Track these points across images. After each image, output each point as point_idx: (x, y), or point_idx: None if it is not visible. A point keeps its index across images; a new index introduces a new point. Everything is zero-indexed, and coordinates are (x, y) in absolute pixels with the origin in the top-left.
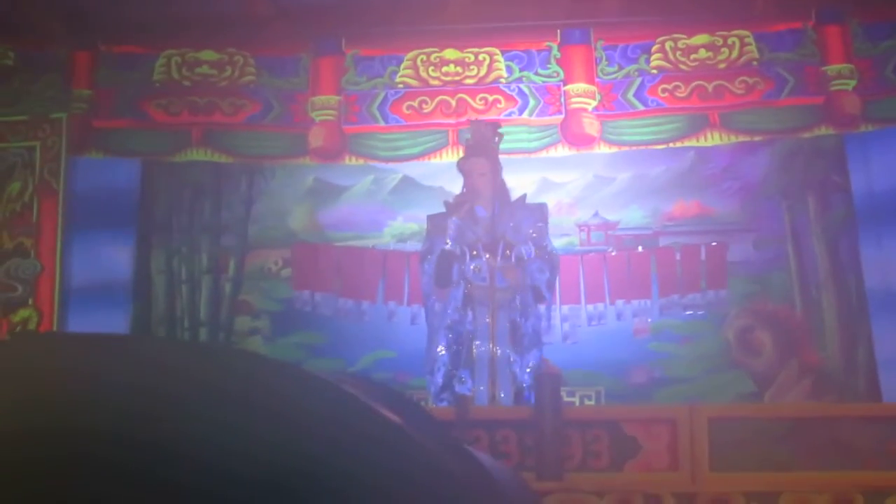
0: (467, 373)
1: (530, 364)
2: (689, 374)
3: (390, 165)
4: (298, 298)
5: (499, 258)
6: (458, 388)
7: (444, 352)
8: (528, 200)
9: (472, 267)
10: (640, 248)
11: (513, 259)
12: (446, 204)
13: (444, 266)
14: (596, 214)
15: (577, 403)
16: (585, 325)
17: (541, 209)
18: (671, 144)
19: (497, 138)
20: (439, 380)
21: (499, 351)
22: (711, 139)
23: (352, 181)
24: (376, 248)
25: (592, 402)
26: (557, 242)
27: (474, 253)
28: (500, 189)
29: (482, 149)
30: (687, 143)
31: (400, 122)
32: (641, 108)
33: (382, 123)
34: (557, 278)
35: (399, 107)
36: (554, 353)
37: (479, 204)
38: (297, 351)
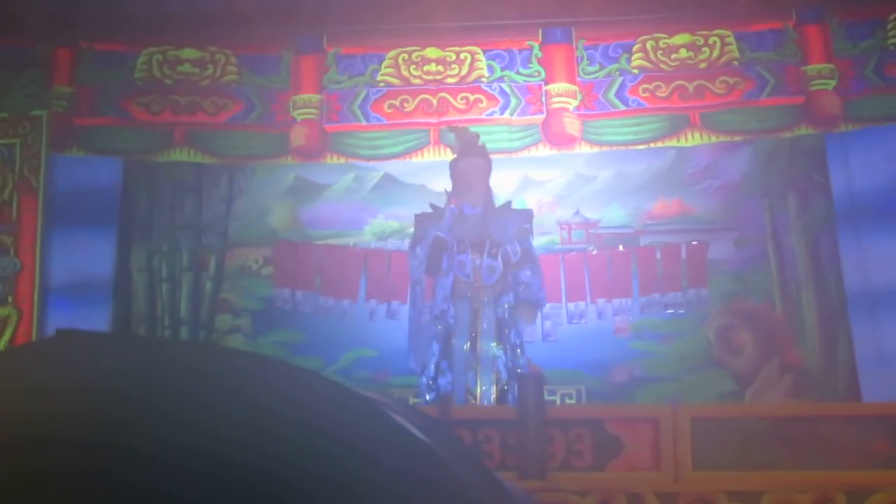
0: (446, 365)
1: (518, 365)
2: (669, 373)
3: (371, 164)
4: (279, 297)
5: (485, 256)
6: (441, 380)
7: (435, 342)
8: (510, 200)
9: (458, 262)
10: (621, 247)
11: (499, 259)
12: (432, 206)
13: (437, 252)
14: (577, 213)
15: (559, 402)
16: (566, 324)
17: (527, 214)
18: (652, 144)
19: (477, 140)
20: (431, 370)
21: (483, 348)
22: (692, 139)
23: (333, 179)
24: (357, 247)
25: (573, 401)
26: (538, 241)
27: (461, 247)
28: (488, 191)
29: (476, 149)
30: (668, 143)
31: (381, 121)
32: (622, 107)
33: (364, 122)
34: (540, 277)
35: (380, 105)
36: (535, 351)
37: (468, 202)
38: (278, 349)
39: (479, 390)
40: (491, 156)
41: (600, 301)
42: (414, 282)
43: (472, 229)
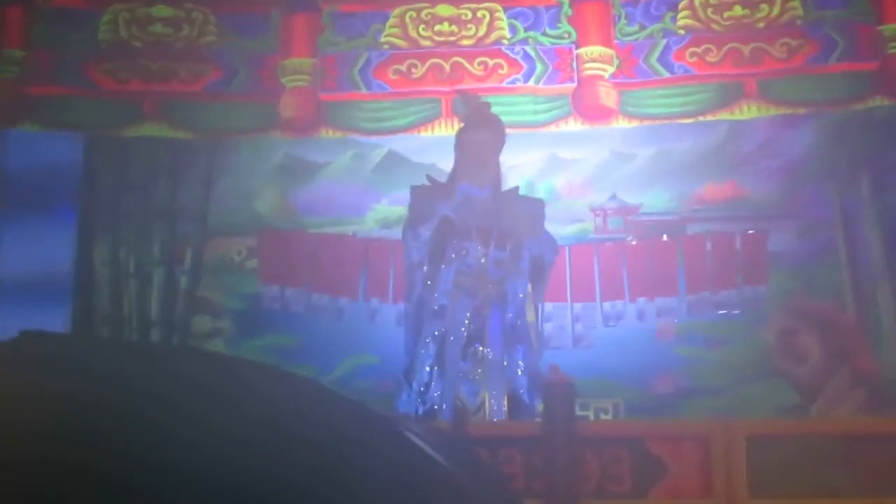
0: (438, 372)
1: (521, 363)
2: (721, 384)
3: (374, 139)
4: (266, 294)
5: (492, 246)
6: (432, 389)
7: (430, 342)
8: (517, 186)
9: (459, 248)
10: (664, 237)
11: (507, 251)
12: (429, 178)
13: (441, 236)
14: (613, 197)
15: (592, 417)
16: (601, 327)
17: (539, 204)
18: (701, 118)
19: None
20: (425, 375)
21: (491, 353)
22: (748, 111)
23: (329, 157)
24: (357, 236)
25: (609, 416)
26: (568, 229)
27: (464, 233)
28: (499, 171)
29: (487, 121)
30: (719, 116)
31: (385, 90)
32: (666, 75)
33: (365, 91)
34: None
35: (384, 71)
36: (565, 358)
37: (474, 182)
38: (265, 356)
39: (486, 403)
40: (508, 130)
41: (640, 300)
42: (413, 265)
43: (479, 214)
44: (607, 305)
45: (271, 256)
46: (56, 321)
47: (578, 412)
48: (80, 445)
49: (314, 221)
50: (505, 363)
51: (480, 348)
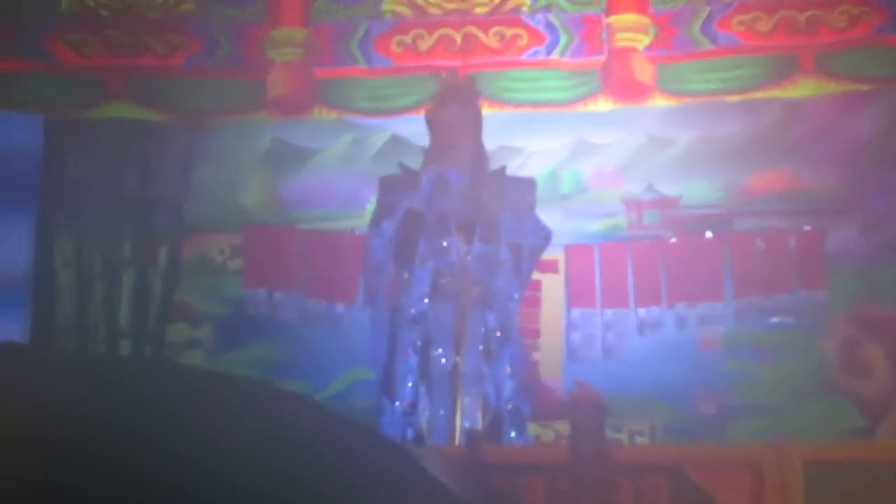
0: (425, 389)
1: (507, 374)
2: (774, 402)
3: (375, 121)
4: (252, 299)
5: (475, 240)
6: (419, 408)
7: (412, 353)
8: (505, 165)
9: (438, 245)
10: (708, 234)
11: (492, 245)
12: (401, 166)
13: (409, 232)
14: (649, 188)
15: (626, 441)
16: (635, 336)
17: (529, 185)
18: (749, 96)
19: (473, 87)
20: (409, 393)
21: (467, 364)
22: (803, 88)
23: (323, 142)
24: (356, 233)
25: (646, 440)
26: (598, 225)
27: (441, 227)
28: (481, 152)
29: (460, 95)
30: (770, 94)
31: (388, 64)
32: (710, 46)
33: (364, 65)
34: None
35: (387, 43)
36: (594, 373)
37: (452, 166)
38: (250, 369)
39: (457, 424)
40: (529, 109)
41: (680, 306)
42: (376, 266)
43: (458, 203)
44: (642, 312)
45: (258, 256)
46: (11, 330)
47: (610, 434)
48: (75, 463)
49: (307, 215)
50: (483, 375)
51: (457, 358)
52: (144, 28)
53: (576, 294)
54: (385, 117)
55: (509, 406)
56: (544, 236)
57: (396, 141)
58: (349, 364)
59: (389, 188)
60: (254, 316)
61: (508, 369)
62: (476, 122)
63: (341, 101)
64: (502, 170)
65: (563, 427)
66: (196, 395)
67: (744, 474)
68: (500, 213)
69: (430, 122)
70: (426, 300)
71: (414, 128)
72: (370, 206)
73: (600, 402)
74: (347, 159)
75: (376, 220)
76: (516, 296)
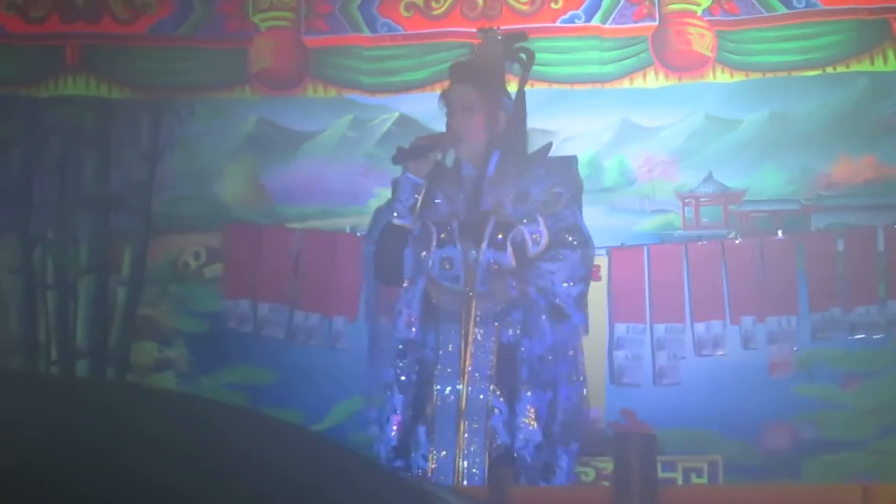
0: (423, 431)
1: (528, 415)
2: (859, 435)
3: (379, 99)
4: (233, 312)
5: (485, 245)
6: (413, 455)
7: (396, 391)
8: (550, 143)
9: (439, 258)
10: (780, 233)
11: (508, 247)
12: (399, 149)
13: (390, 251)
14: (709, 178)
15: (681, 481)
16: (692, 357)
17: (567, 164)
18: (830, 69)
19: (516, 56)
20: (392, 437)
21: (472, 394)
22: (894, 61)
23: (318, 124)
24: (357, 233)
25: (704, 480)
26: (647, 223)
27: (443, 236)
28: (509, 139)
29: (473, 69)
30: (855, 68)
31: (395, 31)
32: (783, 10)
33: (367, 33)
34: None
35: (394, 6)
36: (643, 400)
37: (465, 158)
38: (231, 395)
39: (459, 464)
40: (566, 85)
41: (747, 320)
42: (366, 299)
43: (467, 202)
44: (701, 328)
45: (239, 261)
46: None
47: (661, 474)
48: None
49: (298, 212)
50: (493, 410)
51: (461, 389)
52: None
53: (621, 306)
54: (391, 95)
55: (523, 451)
56: (590, 256)
57: (405, 122)
58: (348, 390)
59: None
60: (235, 332)
61: (531, 410)
62: (492, 105)
63: (339, 75)
64: (546, 147)
65: (606, 465)
66: (172, 421)
67: None
68: (521, 210)
69: (445, 103)
70: (413, 329)
71: (426, 107)
72: (373, 202)
73: (650, 436)
74: (346, 145)
75: (366, 242)
76: (541, 303)
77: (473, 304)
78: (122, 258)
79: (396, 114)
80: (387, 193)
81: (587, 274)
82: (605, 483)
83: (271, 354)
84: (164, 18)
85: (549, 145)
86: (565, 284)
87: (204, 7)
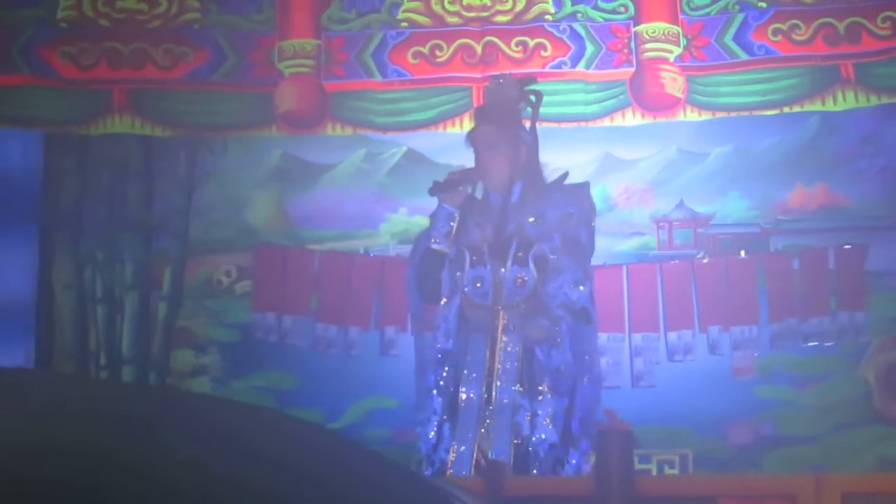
0: (449, 428)
1: (546, 418)
2: (812, 431)
3: (390, 136)
4: (260, 324)
5: (510, 263)
6: (441, 448)
7: (436, 395)
8: (566, 172)
9: (471, 278)
10: (742, 253)
11: (529, 263)
12: (435, 183)
13: (430, 273)
14: (680, 205)
15: (655, 472)
16: (665, 362)
17: (580, 191)
18: (786, 109)
19: (527, 98)
20: (431, 435)
21: (501, 395)
22: (843, 101)
23: (335, 158)
24: (370, 253)
25: (676, 471)
26: (626, 245)
27: (475, 258)
28: (528, 170)
29: (494, 112)
30: (808, 107)
31: (404, 76)
32: (744, 57)
33: (379, 78)
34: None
35: (403, 55)
36: (622, 401)
37: (492, 188)
38: (259, 397)
39: (487, 454)
40: (553, 124)
41: (713, 329)
42: (412, 315)
43: (494, 228)
44: (673, 336)
45: (266, 278)
46: (16, 357)
47: (638, 466)
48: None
49: (318, 235)
50: (517, 407)
51: (485, 393)
52: (147, 39)
53: (603, 318)
54: (401, 132)
55: (540, 448)
56: (576, 249)
57: (413, 157)
58: (364, 392)
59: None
60: (262, 341)
61: (549, 413)
62: (514, 142)
63: (354, 115)
64: (563, 176)
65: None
66: (202, 424)
67: None
68: (540, 229)
69: (470, 143)
70: (450, 340)
71: (430, 143)
72: (384, 226)
73: (628, 432)
74: (361, 176)
75: (410, 265)
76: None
77: (501, 315)
78: (163, 276)
79: (405, 148)
80: (396, 218)
81: (587, 271)
82: (588, 473)
83: (294, 361)
84: (201, 66)
85: (566, 174)
86: (580, 288)
87: (235, 55)
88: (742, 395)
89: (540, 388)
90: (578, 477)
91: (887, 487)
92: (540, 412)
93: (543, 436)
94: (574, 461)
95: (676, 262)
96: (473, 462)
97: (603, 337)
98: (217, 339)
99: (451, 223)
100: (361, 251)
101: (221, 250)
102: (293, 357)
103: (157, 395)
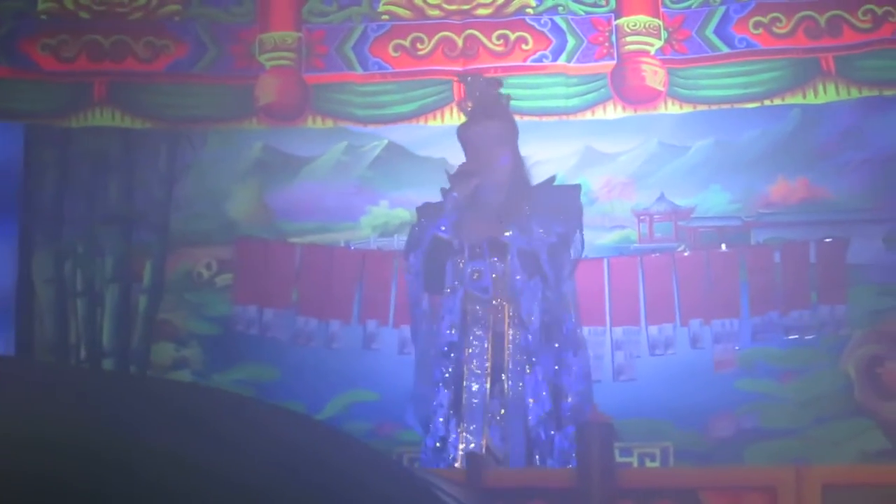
0: (456, 422)
1: (546, 410)
2: (793, 424)
3: (371, 129)
4: (241, 317)
5: (510, 259)
6: (450, 442)
7: (442, 388)
8: (554, 175)
9: (470, 269)
10: (723, 246)
11: (523, 259)
12: (449, 176)
13: (437, 261)
14: (661, 198)
15: (636, 465)
16: (646, 356)
17: (570, 193)
18: (767, 102)
19: (502, 98)
20: (440, 428)
21: (509, 388)
22: (824, 94)
23: (316, 151)
24: (351, 246)
25: (657, 464)
26: (607, 238)
27: (477, 250)
28: (517, 166)
29: (490, 108)
30: (789, 100)
31: (385, 69)
32: (725, 50)
33: (360, 71)
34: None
35: (383, 47)
36: (603, 394)
37: (486, 184)
38: (240, 390)
39: (504, 448)
40: (534, 118)
41: (694, 323)
42: (412, 303)
43: (491, 222)
44: (654, 330)
45: (247, 271)
46: None
47: (619, 458)
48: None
49: (298, 228)
50: (523, 398)
51: (489, 386)
52: (126, 31)
53: (584, 311)
54: (381, 125)
55: (535, 428)
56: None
57: (394, 149)
58: (345, 385)
59: (423, 217)
60: (243, 334)
61: (540, 391)
62: (506, 137)
63: (335, 107)
64: (551, 179)
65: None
66: (181, 413)
67: (760, 498)
68: (541, 223)
69: (461, 139)
70: (454, 331)
71: (411, 136)
72: (365, 218)
73: (609, 425)
74: (341, 168)
75: (406, 253)
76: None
77: (505, 308)
78: (144, 269)
79: (385, 141)
80: (377, 211)
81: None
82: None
83: (275, 354)
84: (181, 58)
85: (554, 177)
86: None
87: (216, 48)
88: (723, 389)
89: (538, 376)
90: (560, 469)
91: (867, 479)
92: (536, 398)
93: (538, 417)
94: (565, 446)
95: (657, 255)
96: (483, 455)
97: (585, 331)
98: (198, 332)
99: (458, 213)
100: (342, 244)
101: (202, 243)
102: (274, 350)
103: (136, 385)
